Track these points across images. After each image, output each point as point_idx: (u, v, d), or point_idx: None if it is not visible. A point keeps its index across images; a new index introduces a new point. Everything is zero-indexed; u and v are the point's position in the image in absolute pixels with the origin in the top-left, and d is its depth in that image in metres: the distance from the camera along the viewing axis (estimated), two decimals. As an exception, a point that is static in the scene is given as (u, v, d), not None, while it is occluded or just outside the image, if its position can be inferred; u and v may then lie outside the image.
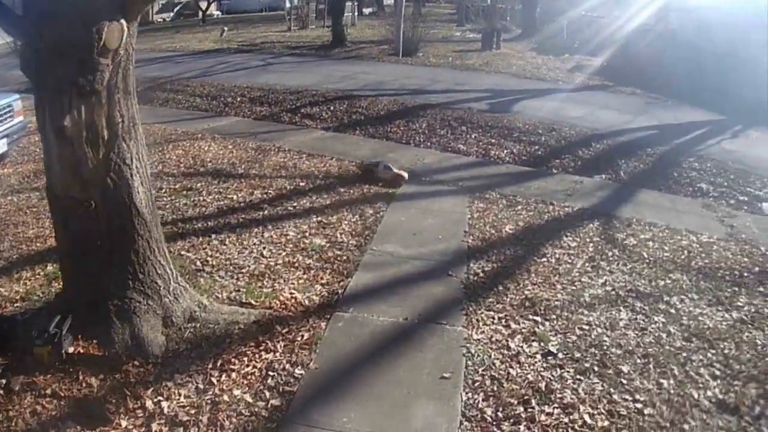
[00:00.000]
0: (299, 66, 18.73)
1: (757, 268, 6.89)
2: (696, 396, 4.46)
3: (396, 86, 15.31)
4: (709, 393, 4.51)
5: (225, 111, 13.04)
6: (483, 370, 4.46)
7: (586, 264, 6.60)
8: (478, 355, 4.64)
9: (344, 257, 6.18)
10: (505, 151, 10.65)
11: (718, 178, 9.86)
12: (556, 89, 16.00)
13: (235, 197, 7.84)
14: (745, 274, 6.71)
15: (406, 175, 8.71)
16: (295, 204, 7.71)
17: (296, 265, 5.99)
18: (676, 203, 8.92)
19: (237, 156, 9.74)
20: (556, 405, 4.15)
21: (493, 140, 11.10)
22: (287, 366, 4.33)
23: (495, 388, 4.27)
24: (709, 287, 6.33)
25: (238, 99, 13.79)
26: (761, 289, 6.40)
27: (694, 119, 13.51)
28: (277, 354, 4.45)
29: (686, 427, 4.09)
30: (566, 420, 4.02)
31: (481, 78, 17.12)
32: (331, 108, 12.84)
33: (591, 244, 7.16)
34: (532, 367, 4.56)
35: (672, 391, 4.45)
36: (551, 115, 12.76)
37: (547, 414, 4.08)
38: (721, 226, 8.10)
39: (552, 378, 4.45)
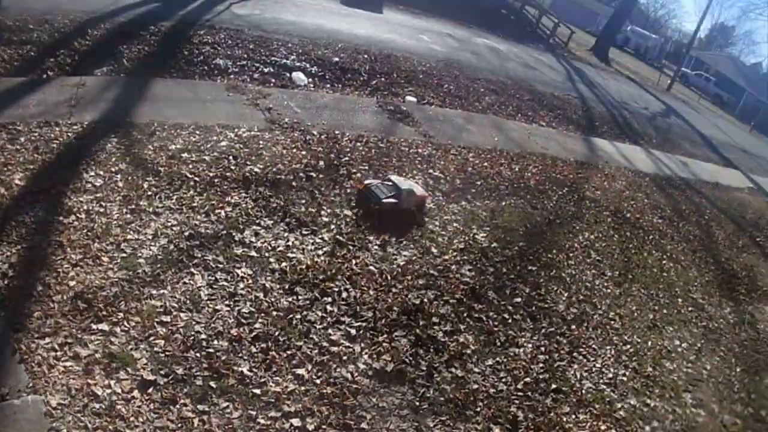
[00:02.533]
0: None
1: (321, 163, 6.16)
2: (349, 376, 3.73)
3: None
4: (360, 365, 3.80)
5: None
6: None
7: (124, 209, 5.02)
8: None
9: None
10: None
11: (235, 50, 8.83)
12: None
13: None
14: (313, 175, 5.96)
15: (428, 197, 6.33)
16: None
17: None
18: (198, 90, 7.52)
19: None
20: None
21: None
22: None
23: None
24: (278, 204, 5.28)
25: None
26: (336, 190, 5.75)
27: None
28: None
29: (365, 426, 3.37)
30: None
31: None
32: None
33: (119, 176, 5.42)
34: (141, 419, 3.27)
35: (319, 382, 3.67)
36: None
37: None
38: (257, 112, 7.17)
39: (172, 426, 3.26)
